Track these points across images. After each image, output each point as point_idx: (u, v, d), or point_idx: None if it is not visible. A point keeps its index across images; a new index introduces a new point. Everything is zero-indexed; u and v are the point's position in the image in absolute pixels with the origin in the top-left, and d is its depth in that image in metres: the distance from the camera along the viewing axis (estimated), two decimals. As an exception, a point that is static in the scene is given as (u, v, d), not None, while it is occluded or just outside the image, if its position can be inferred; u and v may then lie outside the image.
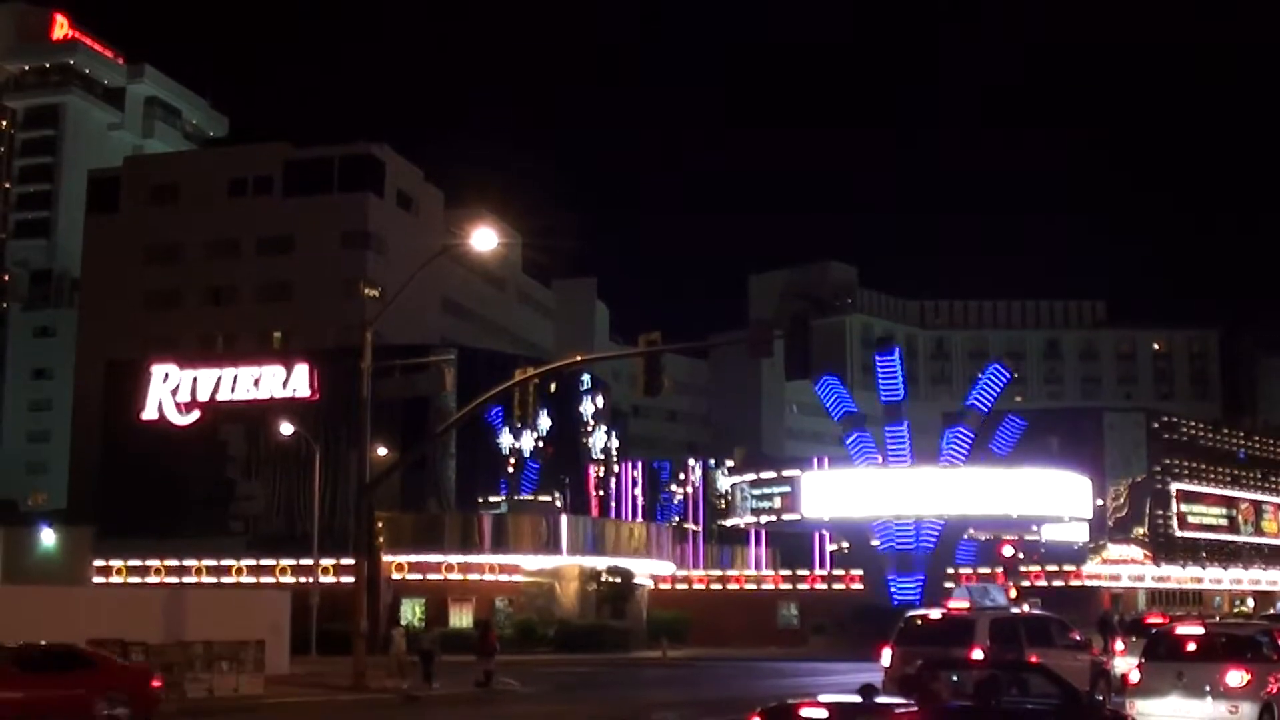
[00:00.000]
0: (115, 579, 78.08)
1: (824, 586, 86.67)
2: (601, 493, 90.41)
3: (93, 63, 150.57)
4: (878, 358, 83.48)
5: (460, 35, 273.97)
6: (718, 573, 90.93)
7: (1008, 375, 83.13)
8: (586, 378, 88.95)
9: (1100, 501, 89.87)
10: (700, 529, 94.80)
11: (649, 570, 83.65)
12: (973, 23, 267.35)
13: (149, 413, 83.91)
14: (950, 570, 79.66)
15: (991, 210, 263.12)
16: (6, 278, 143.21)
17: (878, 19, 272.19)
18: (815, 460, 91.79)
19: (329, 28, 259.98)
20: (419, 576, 73.84)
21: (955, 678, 19.49)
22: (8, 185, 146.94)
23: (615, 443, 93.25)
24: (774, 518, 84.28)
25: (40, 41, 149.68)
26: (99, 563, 79.42)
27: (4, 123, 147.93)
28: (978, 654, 26.41)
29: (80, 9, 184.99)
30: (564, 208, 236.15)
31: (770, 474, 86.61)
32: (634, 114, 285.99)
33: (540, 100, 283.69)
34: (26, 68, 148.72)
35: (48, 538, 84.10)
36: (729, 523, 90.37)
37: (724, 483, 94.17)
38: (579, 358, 59.82)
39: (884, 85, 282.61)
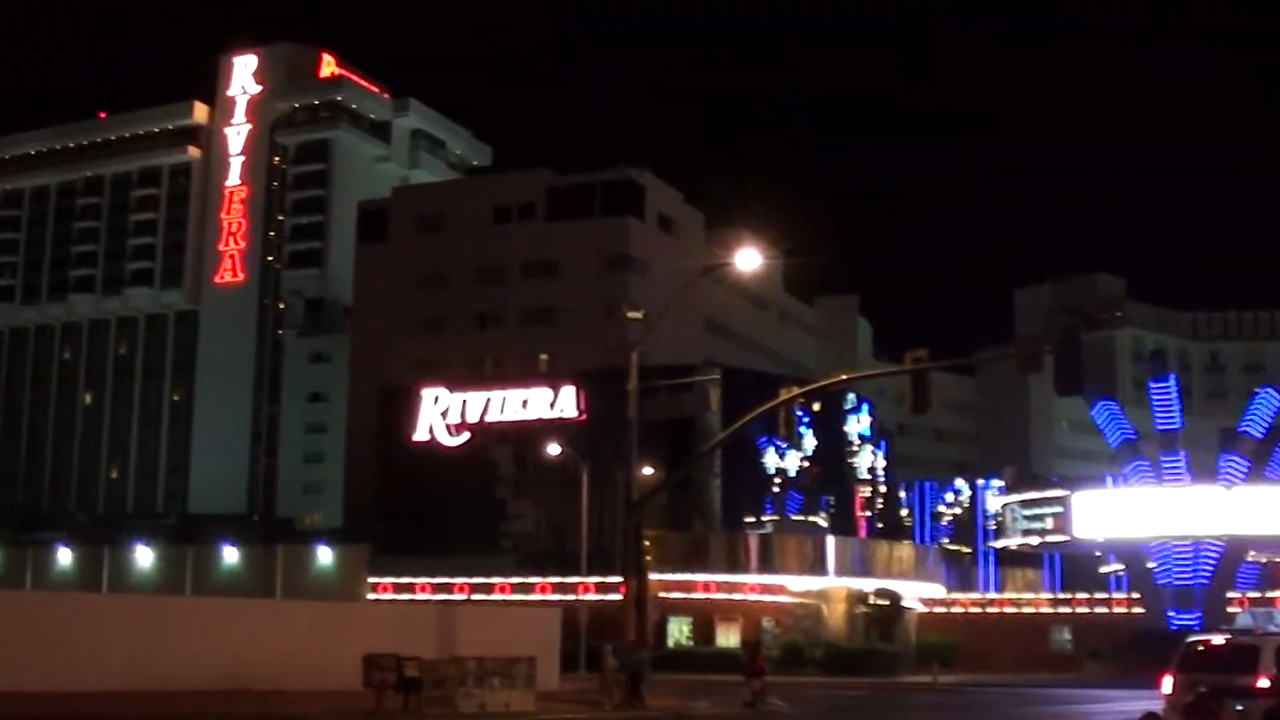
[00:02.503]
0: (388, 596, 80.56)
1: (1098, 610, 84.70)
2: (868, 513, 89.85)
3: (359, 98, 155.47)
4: (1152, 385, 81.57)
5: (713, 55, 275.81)
6: (988, 596, 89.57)
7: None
8: (851, 396, 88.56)
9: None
10: (970, 551, 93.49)
11: (917, 593, 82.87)
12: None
13: (420, 434, 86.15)
14: (1231, 594, 77.05)
15: (1264, 215, 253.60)
16: (283, 306, 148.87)
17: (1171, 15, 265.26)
18: (1088, 479, 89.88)
19: (586, 56, 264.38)
20: (685, 595, 74.44)
21: (1240, 706, 19.01)
22: (282, 218, 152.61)
23: (881, 462, 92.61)
24: (1045, 539, 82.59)
25: (309, 80, 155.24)
26: (373, 580, 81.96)
27: (277, 159, 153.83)
28: (1264, 682, 25.57)
29: (346, 47, 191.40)
30: (824, 225, 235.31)
31: (1041, 494, 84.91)
32: (893, 127, 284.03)
33: (797, 118, 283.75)
34: (297, 105, 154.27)
35: (324, 555, 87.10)
36: (999, 544, 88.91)
37: (993, 503, 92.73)
38: (844, 376, 59.79)
39: (1155, 91, 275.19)
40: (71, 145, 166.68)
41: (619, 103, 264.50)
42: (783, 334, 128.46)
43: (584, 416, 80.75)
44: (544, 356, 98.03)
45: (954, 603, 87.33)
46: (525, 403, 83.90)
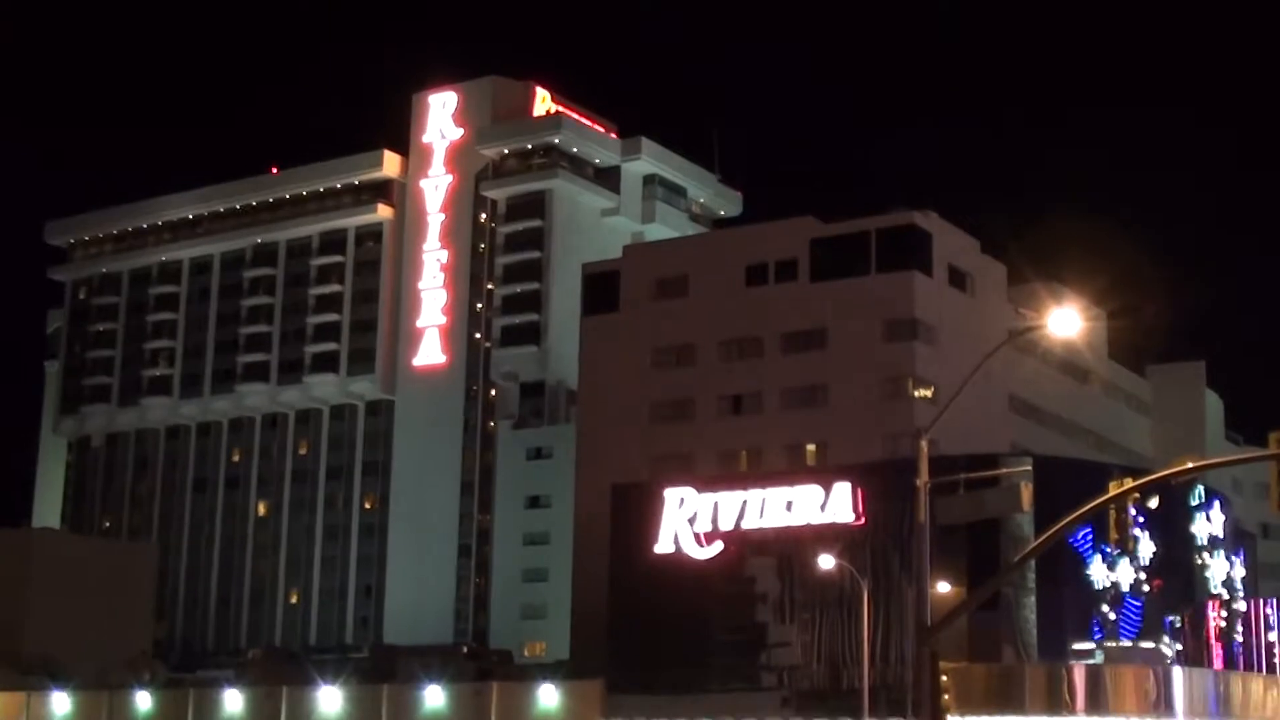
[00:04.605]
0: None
1: None
2: (1225, 638, 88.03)
3: (580, 140, 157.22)
4: None
5: (1003, 76, 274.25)
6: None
7: None
8: (1199, 490, 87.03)
9: None
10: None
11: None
12: None
13: (663, 545, 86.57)
14: None
15: None
16: (494, 392, 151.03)
17: None
18: None
19: (848, 84, 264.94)
20: (993, 743, 73.76)
21: None
22: (491, 287, 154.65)
23: (1240, 572, 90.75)
24: None
25: (520, 119, 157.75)
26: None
27: (484, 216, 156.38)
28: None
29: (564, 78, 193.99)
30: (1157, 276, 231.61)
31: None
32: (1227, 159, 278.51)
33: (1116, 152, 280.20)
34: (506, 151, 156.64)
35: (548, 695, 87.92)
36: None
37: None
38: (1189, 464, 58.80)
39: None
40: (238, 207, 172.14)
41: (889, 138, 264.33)
42: (1108, 412, 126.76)
43: (862, 521, 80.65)
44: (811, 446, 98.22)
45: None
46: (789, 504, 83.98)
